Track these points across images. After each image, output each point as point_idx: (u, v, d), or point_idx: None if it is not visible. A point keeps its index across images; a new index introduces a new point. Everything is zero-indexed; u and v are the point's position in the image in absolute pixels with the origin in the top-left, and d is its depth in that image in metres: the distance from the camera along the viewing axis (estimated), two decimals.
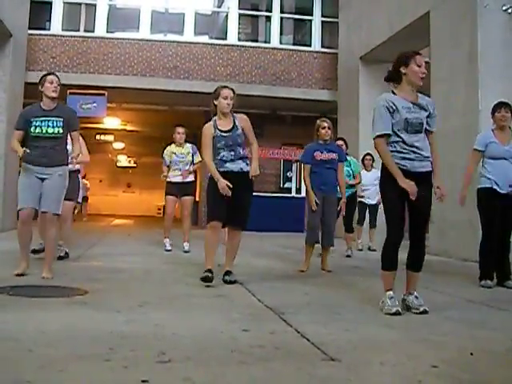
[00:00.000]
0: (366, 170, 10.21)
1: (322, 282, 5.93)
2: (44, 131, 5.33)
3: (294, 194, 18.16)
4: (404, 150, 4.21)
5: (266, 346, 3.04)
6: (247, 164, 5.54)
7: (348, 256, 9.07)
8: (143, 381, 2.35)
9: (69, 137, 5.62)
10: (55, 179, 5.37)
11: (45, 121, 5.35)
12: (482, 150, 5.92)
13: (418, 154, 4.22)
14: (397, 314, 4.05)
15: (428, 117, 4.31)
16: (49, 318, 3.60)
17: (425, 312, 4.14)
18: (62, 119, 5.39)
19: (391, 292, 4.20)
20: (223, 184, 5.25)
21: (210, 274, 5.17)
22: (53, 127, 5.35)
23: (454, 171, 9.30)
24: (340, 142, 8.66)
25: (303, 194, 16.05)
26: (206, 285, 5.11)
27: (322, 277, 6.34)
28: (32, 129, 5.34)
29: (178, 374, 2.51)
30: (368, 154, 10.13)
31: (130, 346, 2.93)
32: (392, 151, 4.22)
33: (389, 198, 4.30)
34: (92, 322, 3.54)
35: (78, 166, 7.12)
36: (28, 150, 5.24)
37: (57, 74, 5.65)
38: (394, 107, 4.19)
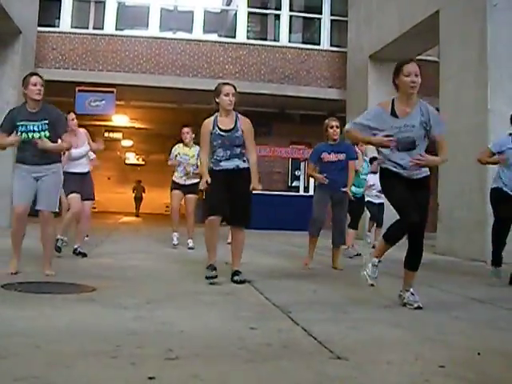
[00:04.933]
0: (373, 173, 10.03)
1: (329, 280, 5.92)
2: (30, 136, 5.15)
3: (302, 192, 18.16)
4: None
5: (273, 344, 3.04)
6: (244, 161, 5.47)
7: (358, 254, 8.32)
8: (150, 377, 2.36)
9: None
10: (50, 177, 5.25)
11: (30, 125, 5.17)
12: (495, 152, 6.07)
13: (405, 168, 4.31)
14: (371, 285, 4.37)
15: (426, 126, 4.28)
16: (57, 314, 3.62)
17: (419, 308, 4.20)
18: (47, 121, 5.20)
19: (376, 260, 4.38)
20: (204, 180, 5.34)
21: (213, 272, 5.21)
22: (38, 131, 5.16)
23: (463, 172, 9.29)
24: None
25: (311, 192, 16.08)
26: (212, 282, 5.12)
27: (330, 275, 6.33)
28: (19, 134, 5.18)
29: (185, 371, 2.51)
30: (375, 158, 10.02)
31: (137, 342, 2.93)
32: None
33: (391, 190, 4.42)
34: (99, 318, 3.55)
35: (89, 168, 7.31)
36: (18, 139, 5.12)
37: (40, 74, 5.43)
38: (379, 127, 4.33)
